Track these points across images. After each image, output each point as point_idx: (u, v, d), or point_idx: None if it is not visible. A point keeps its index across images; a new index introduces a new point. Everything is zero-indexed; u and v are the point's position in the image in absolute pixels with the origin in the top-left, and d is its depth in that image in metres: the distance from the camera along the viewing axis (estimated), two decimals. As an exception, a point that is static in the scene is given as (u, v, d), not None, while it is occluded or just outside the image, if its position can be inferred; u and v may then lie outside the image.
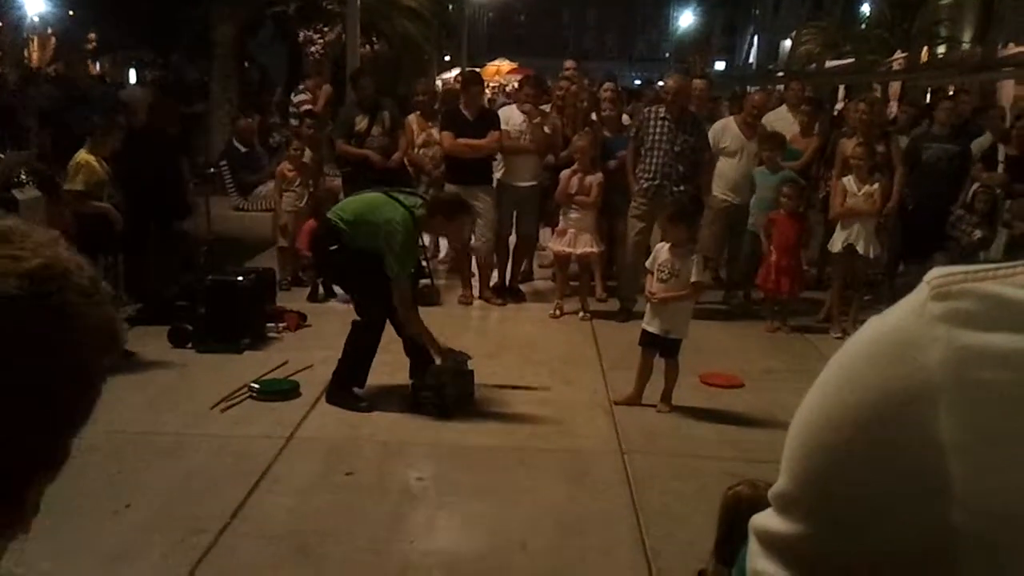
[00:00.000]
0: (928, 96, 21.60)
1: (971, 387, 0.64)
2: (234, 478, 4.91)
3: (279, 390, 6.11)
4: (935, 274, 0.69)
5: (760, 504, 2.55)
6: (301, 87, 9.92)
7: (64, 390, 0.84)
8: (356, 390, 6.03)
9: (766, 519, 0.77)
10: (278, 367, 6.57)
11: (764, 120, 9.29)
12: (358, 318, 6.10)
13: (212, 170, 10.57)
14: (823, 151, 9.32)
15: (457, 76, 13.40)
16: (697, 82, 9.52)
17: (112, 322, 0.88)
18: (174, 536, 4.32)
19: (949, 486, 0.64)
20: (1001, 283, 0.67)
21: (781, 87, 24.71)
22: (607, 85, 9.89)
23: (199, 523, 4.41)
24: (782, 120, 9.60)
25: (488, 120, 8.60)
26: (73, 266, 0.84)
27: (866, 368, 0.69)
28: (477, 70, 12.01)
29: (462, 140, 8.42)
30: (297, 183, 9.04)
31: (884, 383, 0.67)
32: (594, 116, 9.29)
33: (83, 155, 6.27)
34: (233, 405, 5.90)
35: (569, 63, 11.03)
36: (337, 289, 8.60)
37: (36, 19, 23.84)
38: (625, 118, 9.40)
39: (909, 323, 0.68)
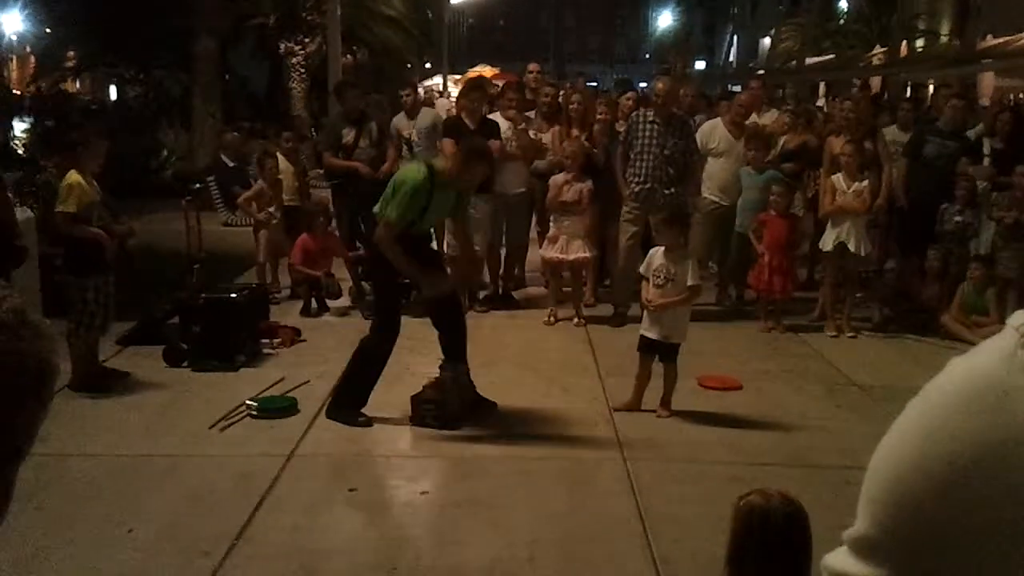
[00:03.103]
0: (908, 90, 21.74)
1: None
2: (236, 498, 4.87)
3: (277, 407, 6.07)
4: (1023, 320, 0.68)
5: (772, 515, 2.51)
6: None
7: None
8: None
9: (843, 562, 0.76)
10: (275, 384, 6.54)
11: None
12: (367, 336, 6.08)
13: (198, 185, 10.52)
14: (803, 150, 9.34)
15: (435, 86, 13.41)
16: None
17: (37, 358, 0.84)
18: (179, 560, 4.29)
19: None
20: None
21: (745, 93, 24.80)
22: (629, 94, 9.97)
23: (204, 545, 4.37)
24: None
25: (489, 129, 8.55)
26: None
27: (957, 416, 0.68)
28: (481, 76, 11.95)
29: None
30: (272, 201, 9.09)
31: (978, 433, 0.66)
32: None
33: (74, 176, 6.19)
34: (231, 424, 5.86)
35: (532, 66, 11.02)
36: (331, 303, 8.61)
37: (14, 38, 23.69)
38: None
39: (999, 371, 0.67)
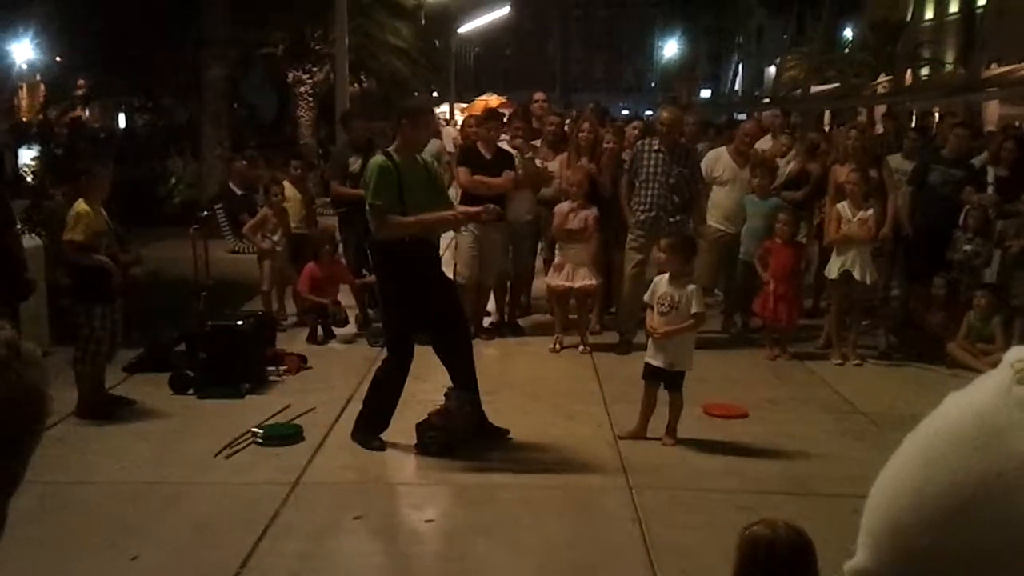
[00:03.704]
0: (913, 119, 21.80)
1: None
2: (242, 526, 4.86)
3: (283, 435, 6.08)
4: (1017, 356, 0.69)
5: (778, 545, 2.50)
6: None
7: None
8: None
9: None
10: (280, 411, 6.53)
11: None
12: (382, 363, 6.15)
13: (206, 213, 10.57)
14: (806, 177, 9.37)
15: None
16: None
17: (32, 389, 0.87)
18: (184, 588, 4.28)
19: None
20: None
21: (767, 113, 24.88)
22: (635, 123, 10.06)
23: (209, 573, 4.38)
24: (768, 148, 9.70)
25: (504, 159, 8.60)
26: None
27: (952, 451, 0.69)
28: (497, 107, 11.99)
29: (478, 177, 8.38)
30: (277, 229, 9.14)
31: (972, 467, 0.67)
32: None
33: (81, 205, 6.24)
34: (237, 451, 5.86)
35: (539, 95, 11.07)
36: (337, 330, 8.63)
37: (24, 67, 23.86)
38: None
39: (994, 408, 0.68)
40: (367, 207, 5.94)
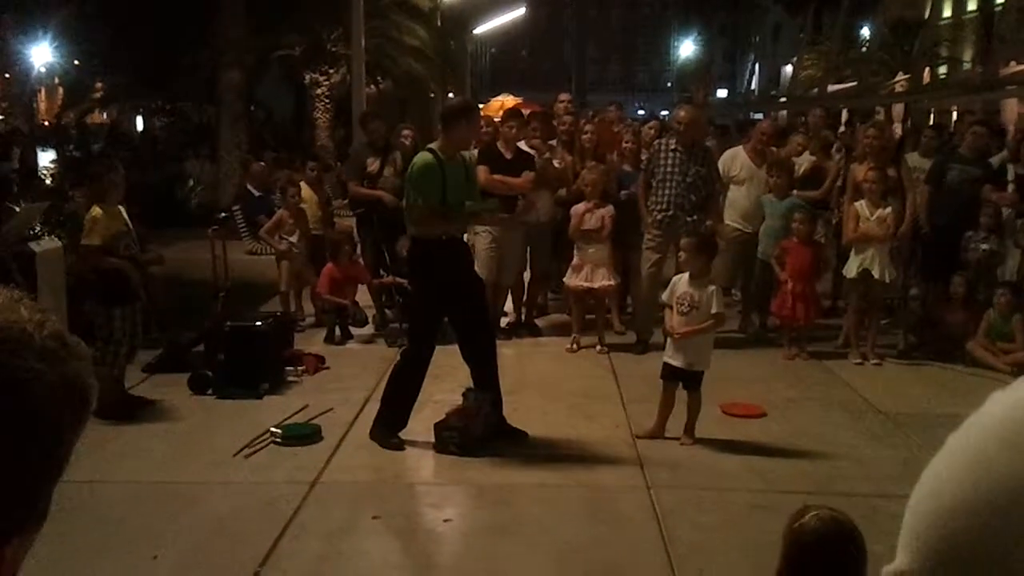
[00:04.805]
0: (931, 117, 21.68)
1: None
2: (261, 526, 4.88)
3: (301, 435, 6.09)
4: None
5: (828, 537, 2.42)
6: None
7: (26, 451, 0.84)
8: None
9: None
10: (299, 411, 6.55)
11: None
12: (399, 359, 6.17)
13: (224, 214, 10.59)
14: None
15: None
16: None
17: (78, 380, 0.88)
18: (204, 587, 4.30)
19: None
20: None
21: (783, 112, 24.82)
22: (651, 123, 10.06)
23: (228, 573, 4.39)
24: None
25: (524, 160, 8.59)
26: (32, 327, 0.84)
27: (998, 453, 0.68)
28: (517, 107, 11.96)
29: (497, 176, 8.34)
30: (294, 230, 9.18)
31: (1018, 468, 0.66)
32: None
33: (96, 210, 6.30)
34: (256, 451, 5.88)
35: (564, 96, 11.05)
36: (355, 330, 8.65)
37: (43, 70, 24.01)
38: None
39: None
40: (405, 204, 5.97)
